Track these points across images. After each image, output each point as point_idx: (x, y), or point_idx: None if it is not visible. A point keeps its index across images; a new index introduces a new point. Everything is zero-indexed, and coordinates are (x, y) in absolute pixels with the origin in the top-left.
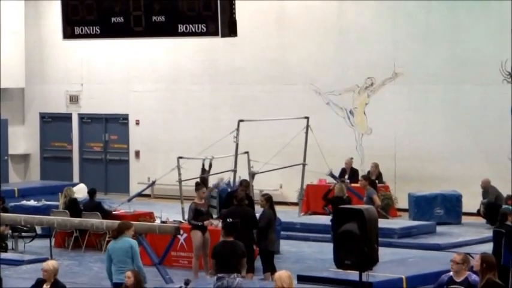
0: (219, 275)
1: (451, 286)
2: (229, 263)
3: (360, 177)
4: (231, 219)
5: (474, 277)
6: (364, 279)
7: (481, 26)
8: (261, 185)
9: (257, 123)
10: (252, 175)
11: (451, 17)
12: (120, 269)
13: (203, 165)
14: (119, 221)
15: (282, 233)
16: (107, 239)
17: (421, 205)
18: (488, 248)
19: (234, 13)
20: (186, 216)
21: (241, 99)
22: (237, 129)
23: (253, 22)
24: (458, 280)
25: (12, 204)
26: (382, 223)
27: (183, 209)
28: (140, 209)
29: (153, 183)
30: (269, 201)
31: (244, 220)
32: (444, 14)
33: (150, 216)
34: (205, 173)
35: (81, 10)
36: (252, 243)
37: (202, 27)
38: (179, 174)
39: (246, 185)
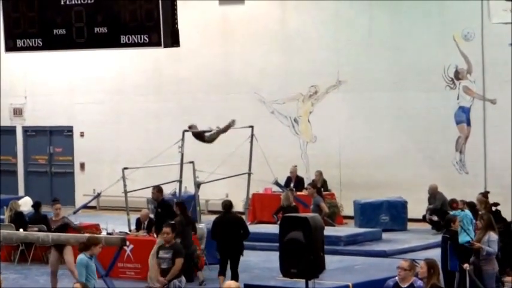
0: None
1: None
2: None
3: (306, 186)
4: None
5: (419, 283)
6: (310, 287)
7: (423, 32)
8: (207, 195)
9: None
10: (198, 185)
11: (393, 24)
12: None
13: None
14: (64, 234)
15: None
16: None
17: (367, 212)
18: (434, 253)
19: (177, 23)
20: (132, 227)
21: (186, 109)
22: (182, 139)
23: (196, 32)
24: (403, 286)
25: None
26: (328, 231)
27: (129, 220)
28: (86, 221)
29: (99, 194)
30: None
31: (234, 227)
32: (386, 21)
33: (96, 228)
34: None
35: (23, 22)
36: (241, 249)
37: (145, 37)
38: (124, 185)
39: (158, 189)
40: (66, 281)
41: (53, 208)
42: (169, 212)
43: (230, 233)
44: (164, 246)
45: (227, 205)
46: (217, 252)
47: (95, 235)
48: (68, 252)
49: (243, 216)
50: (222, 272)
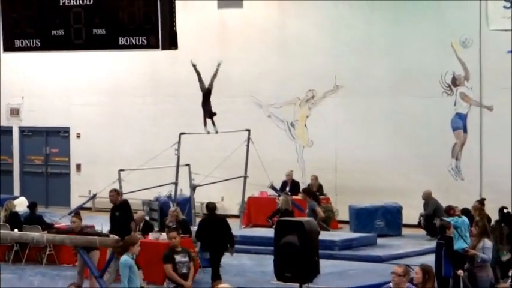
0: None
1: None
2: None
3: (301, 190)
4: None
5: None
6: None
7: (421, 38)
8: (202, 198)
9: (198, 136)
10: (193, 188)
11: (391, 30)
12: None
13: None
14: (60, 235)
15: None
16: (47, 252)
17: (362, 217)
18: (428, 259)
19: (175, 25)
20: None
21: (183, 111)
22: (179, 142)
23: (194, 34)
24: None
25: None
26: (323, 235)
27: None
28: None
29: (94, 196)
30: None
31: (220, 227)
32: (385, 27)
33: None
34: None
35: (22, 23)
36: (225, 249)
37: (143, 40)
38: (120, 187)
39: (116, 192)
40: (61, 283)
41: (71, 221)
42: (128, 214)
43: (218, 234)
44: (177, 250)
45: (214, 207)
46: (204, 252)
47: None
48: (94, 257)
49: (238, 220)
50: (217, 276)
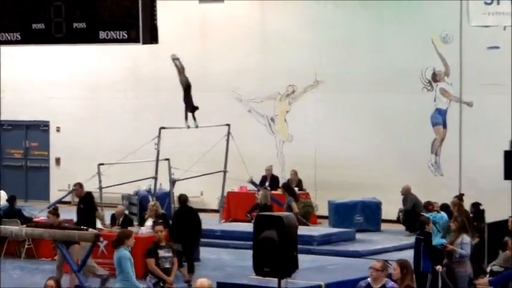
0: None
1: None
2: None
3: (280, 185)
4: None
5: (391, 284)
6: (283, 286)
7: (402, 34)
8: (181, 192)
9: (178, 130)
10: (173, 182)
11: (372, 26)
12: (122, 280)
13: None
14: (39, 229)
15: (202, 240)
16: (26, 246)
17: (341, 212)
18: (407, 254)
19: (155, 19)
20: (107, 223)
21: (163, 106)
22: (158, 136)
23: (175, 29)
24: (376, 287)
25: None
26: (302, 230)
27: (103, 216)
28: (61, 216)
29: (74, 190)
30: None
31: (192, 219)
32: (365, 23)
33: (70, 224)
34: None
35: (1, 16)
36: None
37: (124, 34)
38: (100, 181)
39: (80, 185)
40: (39, 277)
41: (46, 217)
42: (91, 206)
43: (190, 225)
44: (161, 245)
45: (186, 199)
46: (178, 244)
47: (125, 230)
48: (74, 252)
49: (218, 214)
50: (190, 265)
